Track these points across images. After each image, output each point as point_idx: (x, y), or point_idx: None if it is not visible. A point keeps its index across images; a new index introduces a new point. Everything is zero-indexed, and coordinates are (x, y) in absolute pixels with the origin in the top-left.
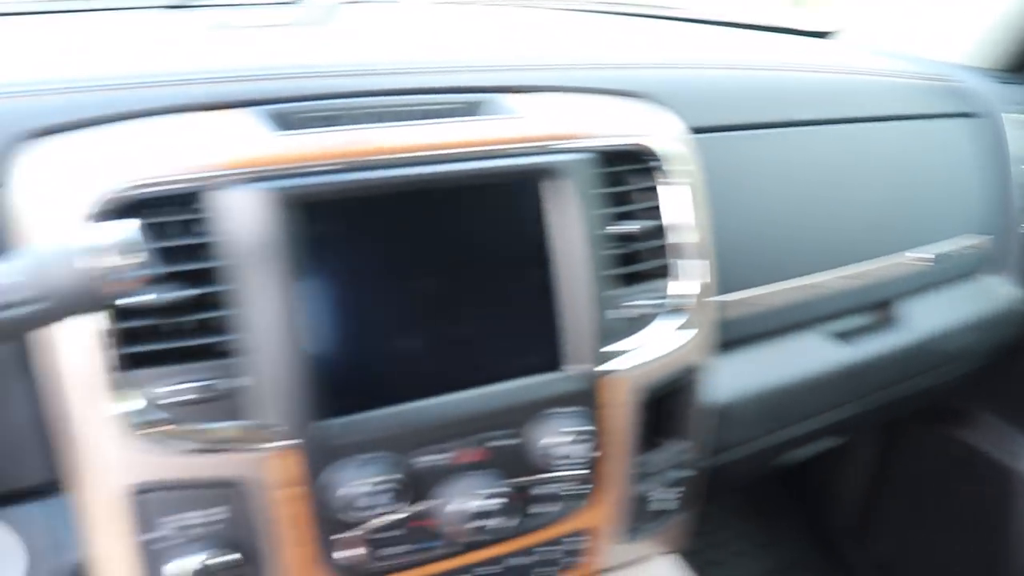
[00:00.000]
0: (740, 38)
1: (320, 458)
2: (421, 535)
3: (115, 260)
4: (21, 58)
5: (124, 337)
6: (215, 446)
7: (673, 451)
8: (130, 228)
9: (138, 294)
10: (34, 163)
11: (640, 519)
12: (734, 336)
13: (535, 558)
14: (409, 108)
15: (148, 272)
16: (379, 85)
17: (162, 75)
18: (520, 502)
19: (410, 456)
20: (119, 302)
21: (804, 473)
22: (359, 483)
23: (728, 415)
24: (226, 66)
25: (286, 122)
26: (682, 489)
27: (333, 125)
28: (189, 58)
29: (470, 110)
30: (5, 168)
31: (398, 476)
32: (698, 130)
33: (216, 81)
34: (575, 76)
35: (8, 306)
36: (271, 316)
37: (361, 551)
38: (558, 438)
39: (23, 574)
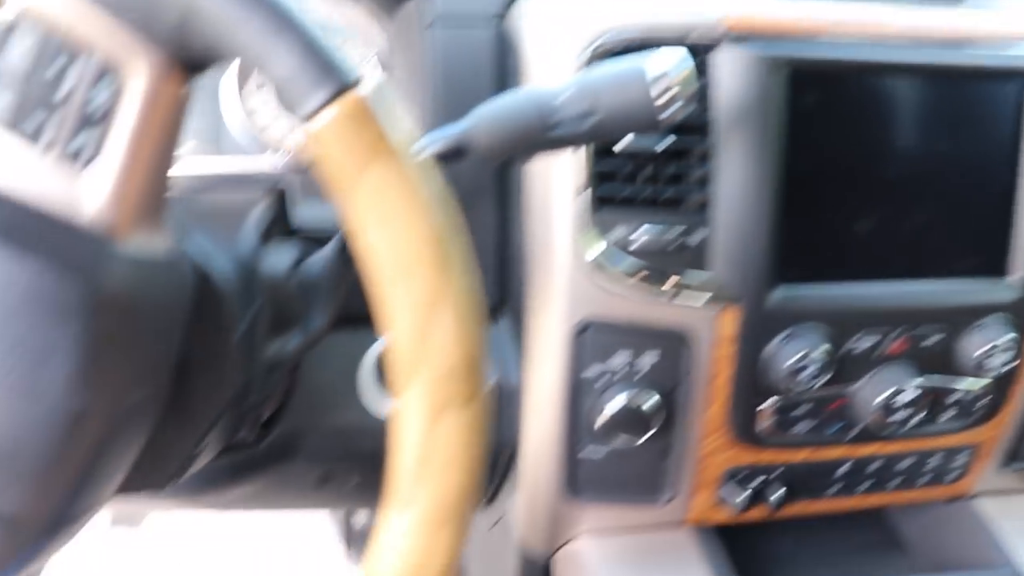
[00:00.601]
0: None
1: (762, 322)
2: (832, 416)
3: (675, 86)
4: None
5: (602, 177)
6: (667, 295)
7: None
8: (686, 57)
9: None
10: None
11: None
12: None
13: (924, 464)
14: None
15: (692, 105)
16: None
17: None
18: (931, 403)
19: (843, 335)
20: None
21: None
22: (793, 353)
23: None
24: None
25: None
26: None
27: None
28: None
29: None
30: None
31: (829, 352)
32: None
33: None
34: None
35: (569, 120)
36: (746, 177)
37: (773, 420)
38: (985, 346)
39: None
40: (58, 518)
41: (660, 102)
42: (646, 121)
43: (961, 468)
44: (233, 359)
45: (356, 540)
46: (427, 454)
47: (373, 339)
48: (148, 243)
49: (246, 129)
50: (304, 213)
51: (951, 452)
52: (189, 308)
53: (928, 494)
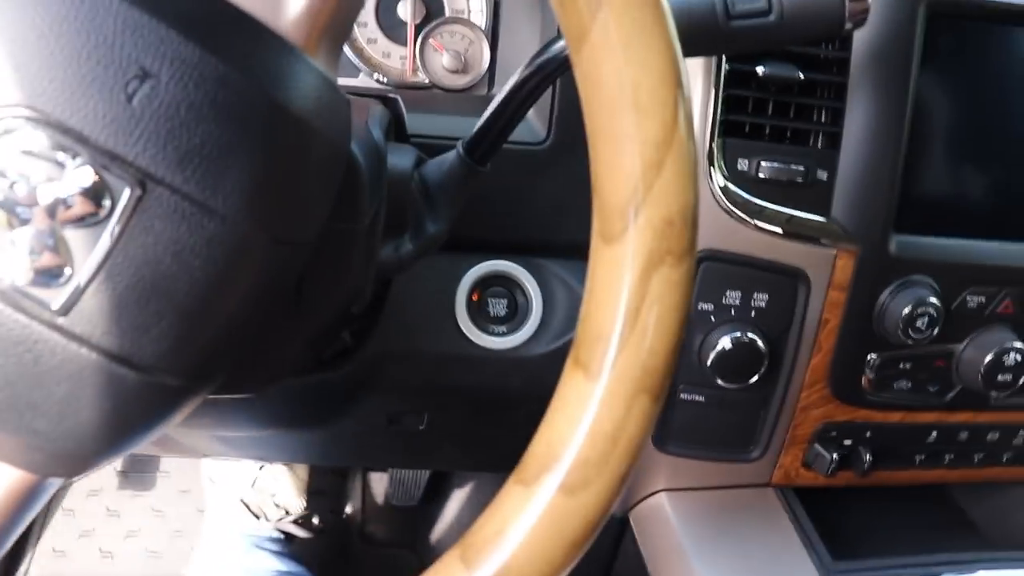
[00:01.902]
0: None
1: (878, 269)
2: (933, 376)
3: None
4: None
5: (732, 104)
6: (787, 233)
7: None
8: None
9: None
10: None
11: None
12: None
13: (1013, 438)
14: None
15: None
16: None
17: None
18: None
19: (953, 291)
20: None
21: None
22: (906, 303)
23: None
24: None
25: None
26: None
27: None
28: None
29: None
30: None
31: (939, 307)
32: None
33: None
34: None
35: (752, 12)
36: (875, 116)
37: (875, 375)
38: None
39: (535, 322)
40: (196, 373)
41: (853, 7)
42: (831, 25)
43: None
44: (357, 249)
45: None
46: (633, 312)
47: (469, 265)
48: (329, 70)
49: (351, 52)
50: (417, 123)
51: None
52: (343, 169)
53: (1011, 472)
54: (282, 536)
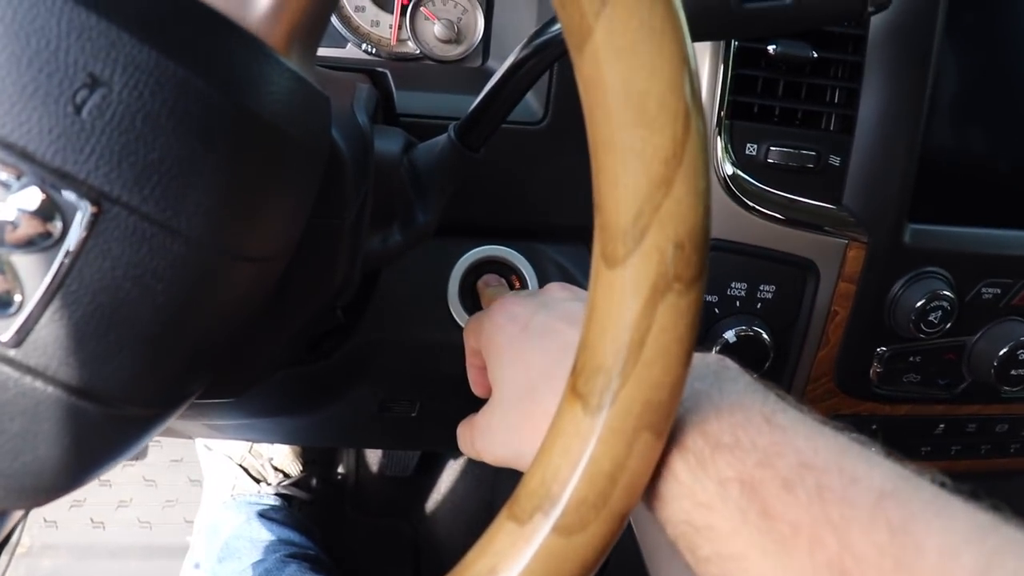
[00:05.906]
0: None
1: (890, 260)
2: (943, 369)
3: None
4: None
5: (741, 85)
6: (796, 219)
7: None
8: None
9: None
10: None
11: None
12: None
13: (1021, 430)
14: None
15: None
16: None
17: None
18: None
19: (968, 282)
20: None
21: None
22: (919, 296)
23: None
24: None
25: None
26: None
27: None
28: None
29: None
30: None
31: (953, 300)
32: None
33: None
34: None
35: None
36: (895, 101)
37: (884, 369)
38: None
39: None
40: (163, 401)
41: None
42: (851, 8)
43: None
44: (342, 245)
45: (391, 458)
46: (637, 343)
47: (463, 251)
48: (304, 69)
49: (338, 21)
50: (406, 100)
51: None
52: (322, 172)
53: (1018, 462)
54: (282, 504)
